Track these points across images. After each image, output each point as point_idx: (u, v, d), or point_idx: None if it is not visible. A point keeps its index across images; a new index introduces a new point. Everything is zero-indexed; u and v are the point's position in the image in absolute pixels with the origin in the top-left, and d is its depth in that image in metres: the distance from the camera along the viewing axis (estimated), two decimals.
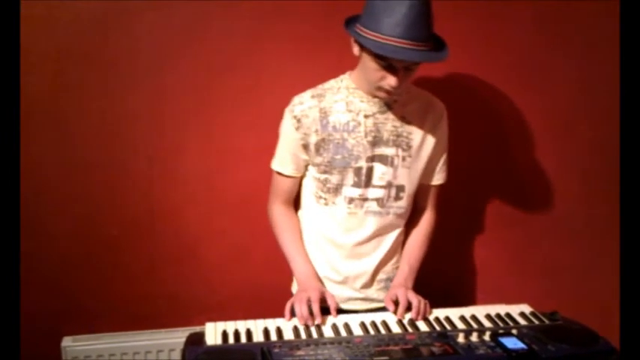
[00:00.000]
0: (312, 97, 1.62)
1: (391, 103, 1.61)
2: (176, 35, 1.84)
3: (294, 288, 1.78)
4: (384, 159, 1.62)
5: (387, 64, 1.46)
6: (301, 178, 1.71)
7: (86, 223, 1.92)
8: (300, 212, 1.76)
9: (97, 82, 1.83)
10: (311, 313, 1.51)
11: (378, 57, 1.45)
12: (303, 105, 1.61)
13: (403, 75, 1.48)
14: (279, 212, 1.73)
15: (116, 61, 1.83)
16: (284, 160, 1.67)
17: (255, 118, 1.92)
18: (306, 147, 1.63)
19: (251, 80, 1.89)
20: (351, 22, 1.54)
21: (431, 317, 1.55)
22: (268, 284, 1.97)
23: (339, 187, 1.63)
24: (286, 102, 1.70)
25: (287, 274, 1.83)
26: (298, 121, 1.61)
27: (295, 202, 1.76)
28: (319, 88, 1.65)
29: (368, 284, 1.72)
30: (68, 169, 1.88)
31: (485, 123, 2.07)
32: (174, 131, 1.91)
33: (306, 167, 1.69)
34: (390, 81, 1.47)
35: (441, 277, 2.12)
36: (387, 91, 1.52)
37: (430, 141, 1.66)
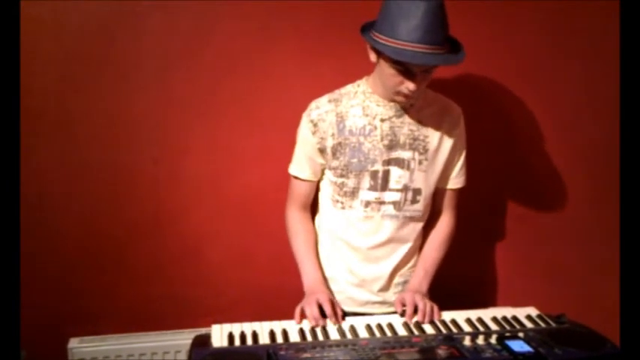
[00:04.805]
0: (329, 101, 1.63)
1: (407, 107, 1.61)
2: (182, 38, 1.84)
3: None
4: (400, 162, 1.62)
5: (405, 68, 1.46)
6: (318, 182, 1.72)
7: (92, 225, 1.93)
8: (317, 216, 1.77)
9: (103, 84, 1.84)
10: (322, 315, 1.52)
11: (396, 62, 1.45)
12: (320, 109, 1.62)
13: (421, 78, 1.49)
14: (294, 218, 1.73)
15: (122, 64, 1.83)
16: (301, 164, 1.68)
17: (261, 121, 1.92)
18: (322, 151, 1.63)
19: (256, 83, 1.90)
20: (366, 28, 1.52)
21: (437, 320, 1.55)
22: (274, 286, 1.97)
23: (356, 190, 1.63)
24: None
25: (292, 276, 1.82)
26: (315, 125, 1.61)
27: (313, 207, 1.77)
28: (336, 93, 1.65)
29: (385, 287, 1.72)
30: (74, 171, 1.88)
31: (489, 124, 2.06)
32: (179, 133, 1.91)
33: (322, 172, 1.69)
34: (409, 85, 1.48)
35: (447, 280, 2.11)
36: (406, 95, 1.52)
37: (447, 144, 1.65)
